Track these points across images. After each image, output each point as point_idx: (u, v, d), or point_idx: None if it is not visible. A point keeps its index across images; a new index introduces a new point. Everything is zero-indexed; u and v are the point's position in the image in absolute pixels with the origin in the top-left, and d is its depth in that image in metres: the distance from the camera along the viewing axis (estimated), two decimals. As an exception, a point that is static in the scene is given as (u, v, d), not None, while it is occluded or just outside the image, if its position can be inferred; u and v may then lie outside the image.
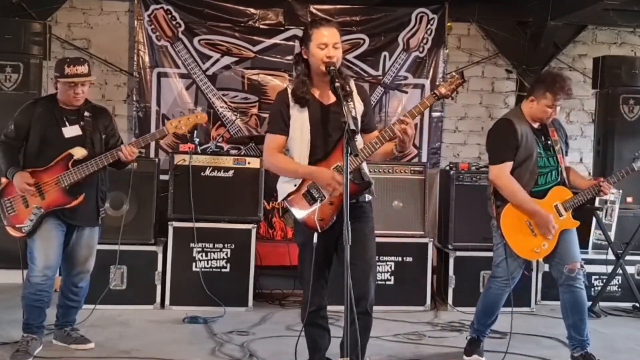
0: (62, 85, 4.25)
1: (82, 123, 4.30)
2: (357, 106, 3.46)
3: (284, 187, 3.57)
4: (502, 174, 4.21)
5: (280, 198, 3.61)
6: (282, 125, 3.54)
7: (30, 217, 4.18)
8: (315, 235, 3.41)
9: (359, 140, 3.46)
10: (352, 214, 3.17)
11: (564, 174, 4.34)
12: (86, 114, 4.33)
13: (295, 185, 3.53)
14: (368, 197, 3.61)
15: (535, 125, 4.30)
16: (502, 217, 4.24)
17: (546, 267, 5.80)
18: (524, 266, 4.41)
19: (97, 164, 4.20)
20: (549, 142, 4.31)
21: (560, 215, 4.26)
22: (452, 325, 5.34)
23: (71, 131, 4.27)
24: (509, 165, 4.21)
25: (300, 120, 3.51)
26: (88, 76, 4.26)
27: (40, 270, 4.19)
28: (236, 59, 7.37)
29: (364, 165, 3.57)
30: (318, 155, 3.50)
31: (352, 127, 3.17)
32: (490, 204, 4.35)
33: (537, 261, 5.50)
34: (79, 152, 4.21)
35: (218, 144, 6.29)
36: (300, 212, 3.50)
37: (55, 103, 4.32)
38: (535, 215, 4.19)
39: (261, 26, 7.38)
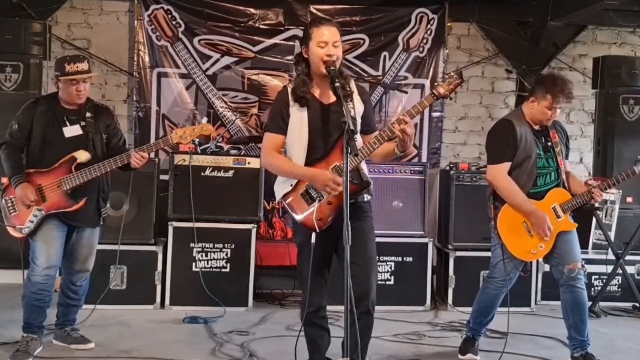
0: (64, 84, 4.24)
1: (82, 123, 4.29)
2: (357, 107, 3.48)
3: (281, 187, 3.58)
4: (499, 173, 4.23)
5: (277, 198, 3.61)
6: (280, 125, 3.54)
7: (31, 218, 4.17)
8: (313, 235, 3.41)
9: (359, 140, 3.45)
10: (351, 214, 3.16)
11: (564, 176, 4.34)
12: (88, 114, 4.32)
13: (291, 185, 3.53)
14: (367, 196, 3.61)
15: (536, 126, 4.30)
16: (499, 218, 4.26)
17: (546, 267, 5.81)
18: (521, 267, 4.42)
19: (101, 169, 4.19)
20: (549, 144, 4.31)
21: (558, 217, 4.26)
22: (452, 325, 5.34)
23: (71, 131, 4.27)
24: (506, 165, 4.23)
25: (299, 119, 3.51)
26: (89, 72, 4.26)
27: (42, 270, 4.19)
28: (236, 59, 7.37)
29: (363, 166, 3.57)
30: (317, 155, 3.50)
31: (352, 127, 3.17)
32: (489, 205, 4.36)
33: (537, 261, 5.51)
34: (82, 156, 4.20)
35: (218, 144, 6.28)
36: (298, 212, 3.50)
37: (56, 102, 4.32)
38: (531, 216, 4.20)
39: (261, 26, 7.38)
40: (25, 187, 4.14)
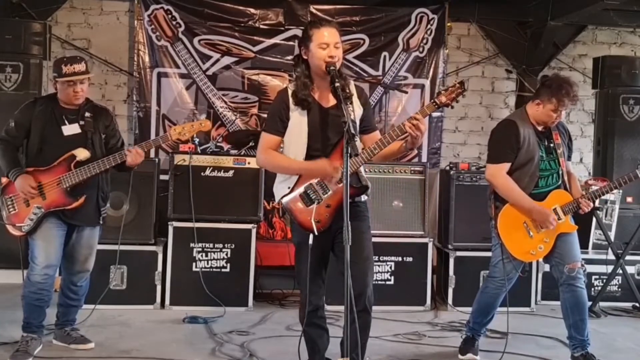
0: (61, 85, 4.24)
1: (81, 122, 4.29)
2: (356, 109, 3.48)
3: (279, 188, 3.58)
4: (498, 173, 4.24)
5: (277, 199, 3.61)
6: (279, 126, 3.54)
7: (31, 216, 4.18)
8: (311, 236, 3.41)
9: (358, 142, 3.44)
10: (349, 214, 3.16)
11: (565, 178, 4.34)
12: (87, 114, 4.33)
13: (288, 188, 3.52)
14: (364, 196, 3.62)
15: (539, 127, 4.30)
16: (500, 218, 4.25)
17: (546, 267, 5.81)
18: (520, 268, 4.41)
19: (100, 166, 4.19)
20: (552, 145, 4.31)
21: (559, 218, 4.25)
22: (452, 325, 5.34)
23: (70, 129, 4.27)
24: (506, 165, 4.23)
25: (299, 122, 3.51)
26: (86, 74, 4.26)
27: (41, 269, 4.19)
28: (236, 59, 7.38)
29: (362, 169, 3.57)
30: (316, 158, 3.49)
31: (352, 130, 3.17)
32: (490, 204, 4.37)
33: (537, 261, 5.50)
34: (81, 154, 4.20)
35: (218, 144, 6.29)
36: (296, 214, 3.50)
37: (55, 102, 4.32)
38: (532, 212, 4.21)
39: (261, 26, 7.39)
40: (24, 177, 4.14)
